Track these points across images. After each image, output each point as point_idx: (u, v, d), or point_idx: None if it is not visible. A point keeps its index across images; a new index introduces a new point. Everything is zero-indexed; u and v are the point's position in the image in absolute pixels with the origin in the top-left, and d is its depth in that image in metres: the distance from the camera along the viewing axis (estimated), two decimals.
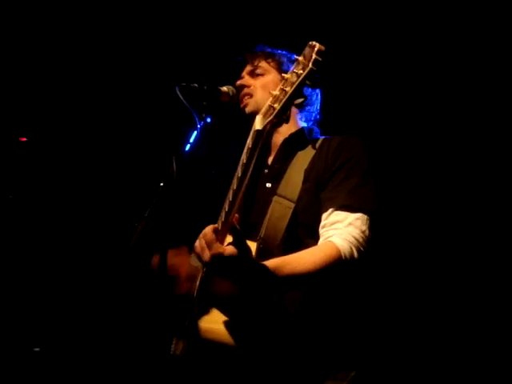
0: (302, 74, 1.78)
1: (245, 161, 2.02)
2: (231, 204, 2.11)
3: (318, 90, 2.78)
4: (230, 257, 2.02)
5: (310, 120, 2.74)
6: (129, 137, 4.13)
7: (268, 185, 2.53)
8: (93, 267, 3.71)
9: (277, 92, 1.91)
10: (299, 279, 2.17)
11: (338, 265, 2.21)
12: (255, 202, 2.51)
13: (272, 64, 2.68)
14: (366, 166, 2.44)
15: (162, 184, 2.31)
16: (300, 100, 1.86)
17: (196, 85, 2.52)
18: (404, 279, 3.68)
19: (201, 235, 2.10)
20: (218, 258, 2.03)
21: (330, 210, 2.35)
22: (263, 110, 1.98)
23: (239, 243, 2.04)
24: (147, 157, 3.98)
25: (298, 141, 2.61)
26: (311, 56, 1.76)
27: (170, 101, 2.49)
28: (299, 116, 2.73)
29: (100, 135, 4.13)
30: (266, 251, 2.24)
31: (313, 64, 1.76)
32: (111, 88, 4.06)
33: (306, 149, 2.57)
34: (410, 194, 3.71)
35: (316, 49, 1.76)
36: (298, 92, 1.82)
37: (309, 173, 2.46)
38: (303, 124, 2.73)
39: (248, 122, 2.41)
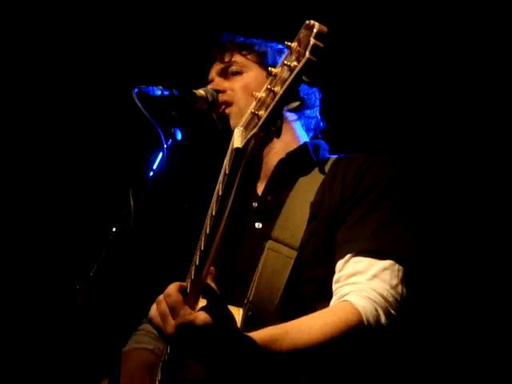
0: (296, 66, 1.48)
1: (221, 193, 1.69)
2: (204, 255, 1.77)
3: (315, 88, 2.51)
4: (204, 327, 1.71)
5: (311, 129, 2.50)
6: (64, 160, 3.80)
7: (258, 225, 2.27)
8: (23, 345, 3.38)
9: (262, 94, 1.59)
10: (303, 356, 1.88)
11: (358, 334, 1.93)
12: (240, 251, 2.27)
13: (250, 57, 2.44)
14: (398, 195, 2.17)
15: (113, 229, 2.03)
16: (295, 104, 1.55)
17: (161, 87, 2.24)
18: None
19: (160, 297, 1.82)
20: (187, 328, 1.72)
21: (348, 256, 2.08)
22: (244, 119, 1.67)
23: (216, 308, 1.76)
24: (92, 190, 3.71)
25: (299, 162, 2.34)
26: (308, 41, 1.45)
27: (125, 110, 2.27)
28: (298, 125, 2.47)
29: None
30: (257, 320, 2.00)
31: (311, 52, 1.44)
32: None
33: (312, 173, 2.30)
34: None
35: (315, 31, 1.45)
36: (291, 93, 1.51)
37: (317, 207, 2.19)
38: (305, 137, 2.44)
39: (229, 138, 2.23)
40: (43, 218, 3.69)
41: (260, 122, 1.57)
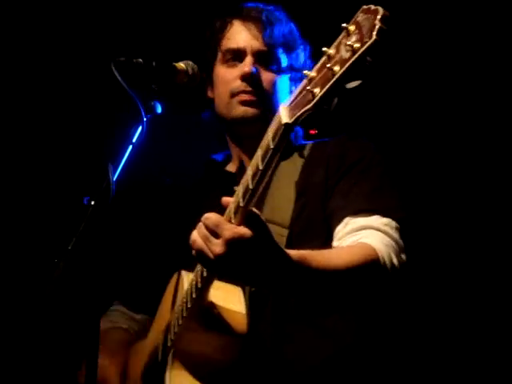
0: (359, 47, 1.56)
1: (261, 167, 1.77)
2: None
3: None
4: (254, 240, 1.75)
5: None
6: (42, 134, 3.74)
7: None
8: None
9: (313, 73, 1.66)
10: (334, 277, 1.97)
11: (376, 269, 2.05)
12: None
13: (290, 57, 2.48)
14: (383, 167, 2.34)
15: (92, 203, 2.03)
16: (355, 83, 1.61)
17: (141, 60, 2.26)
18: None
19: (201, 224, 1.82)
20: (238, 243, 1.75)
21: (346, 218, 2.21)
22: (291, 98, 1.74)
23: (259, 223, 1.79)
24: (70, 164, 3.67)
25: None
26: (374, 24, 1.54)
27: (104, 83, 2.26)
28: None
29: None
30: (261, 295, 2.15)
31: (377, 34, 1.53)
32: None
33: (292, 158, 2.42)
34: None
35: (380, 14, 1.55)
36: (354, 71, 1.58)
37: (303, 184, 2.33)
38: None
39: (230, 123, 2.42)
40: (21, 191, 3.68)
41: (315, 99, 1.64)
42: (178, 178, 2.54)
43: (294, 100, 1.72)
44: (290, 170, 2.36)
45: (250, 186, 1.78)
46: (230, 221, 1.82)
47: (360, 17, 1.60)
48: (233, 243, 1.74)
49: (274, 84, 2.44)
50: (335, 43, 1.63)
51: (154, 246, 2.54)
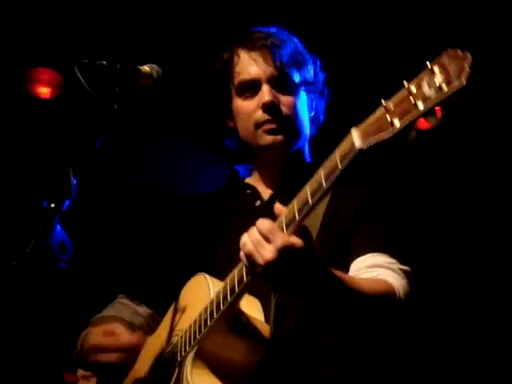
0: (445, 90, 1.60)
1: (325, 186, 1.81)
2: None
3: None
4: (304, 250, 1.85)
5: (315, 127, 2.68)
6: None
7: None
8: None
9: (390, 104, 1.69)
10: (362, 302, 2.07)
11: (391, 302, 2.17)
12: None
13: (305, 77, 2.54)
14: (406, 213, 2.44)
15: (52, 205, 1.99)
16: (437, 120, 1.64)
17: (105, 62, 2.23)
18: None
19: (251, 228, 1.88)
20: (289, 251, 1.82)
21: (368, 254, 2.29)
22: (365, 124, 1.75)
23: (309, 236, 1.88)
24: (30, 167, 3.60)
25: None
26: (463, 68, 1.60)
27: (66, 86, 2.37)
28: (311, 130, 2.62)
29: None
30: (284, 307, 2.21)
31: (466, 78, 1.58)
32: None
33: None
34: None
35: (469, 61, 1.61)
36: (433, 109, 1.63)
37: (329, 217, 2.23)
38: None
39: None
40: None
41: (396, 130, 1.66)
42: (201, 185, 2.53)
43: (367, 126, 1.73)
44: None
45: (310, 202, 1.83)
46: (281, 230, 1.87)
47: (446, 59, 1.64)
48: (284, 251, 1.81)
49: (293, 106, 2.49)
50: (416, 80, 1.67)
51: (172, 245, 2.57)
